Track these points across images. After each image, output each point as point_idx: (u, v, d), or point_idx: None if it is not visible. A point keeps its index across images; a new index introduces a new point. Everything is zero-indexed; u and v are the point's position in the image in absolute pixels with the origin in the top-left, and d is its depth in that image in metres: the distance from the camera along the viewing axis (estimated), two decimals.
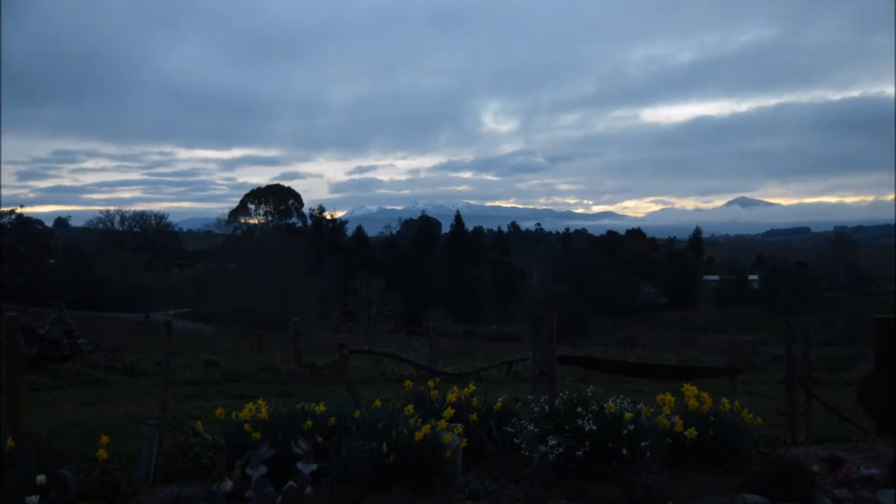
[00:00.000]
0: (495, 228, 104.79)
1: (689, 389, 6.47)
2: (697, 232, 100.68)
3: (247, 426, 6.01)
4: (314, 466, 5.37)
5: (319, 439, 5.81)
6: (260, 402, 6.42)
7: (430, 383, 6.96)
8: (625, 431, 5.77)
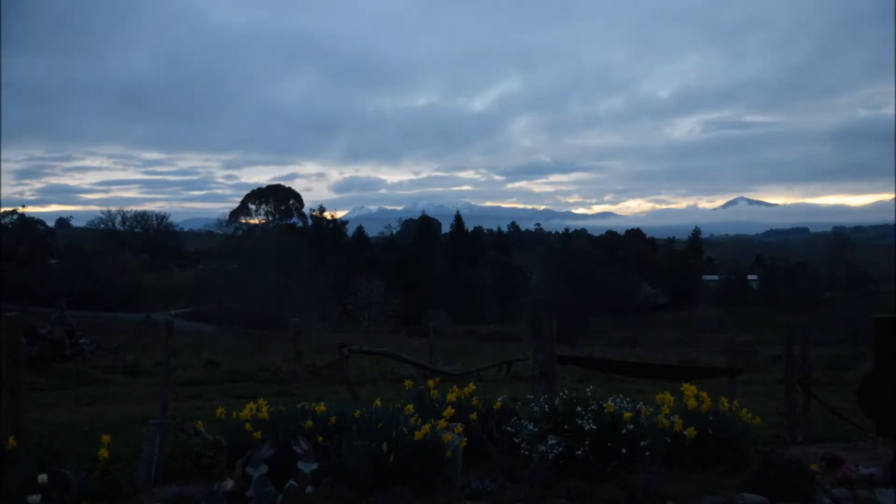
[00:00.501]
0: (495, 228, 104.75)
1: (689, 389, 6.49)
2: (697, 232, 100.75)
3: (247, 426, 6.03)
4: (315, 466, 5.38)
5: (320, 439, 5.83)
6: (260, 401, 6.43)
7: (430, 383, 6.97)
8: (624, 431, 5.79)
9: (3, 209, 68.57)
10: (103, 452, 5.39)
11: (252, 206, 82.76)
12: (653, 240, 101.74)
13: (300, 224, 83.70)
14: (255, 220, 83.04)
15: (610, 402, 6.14)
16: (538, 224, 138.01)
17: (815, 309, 57.24)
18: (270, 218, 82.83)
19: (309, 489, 5.23)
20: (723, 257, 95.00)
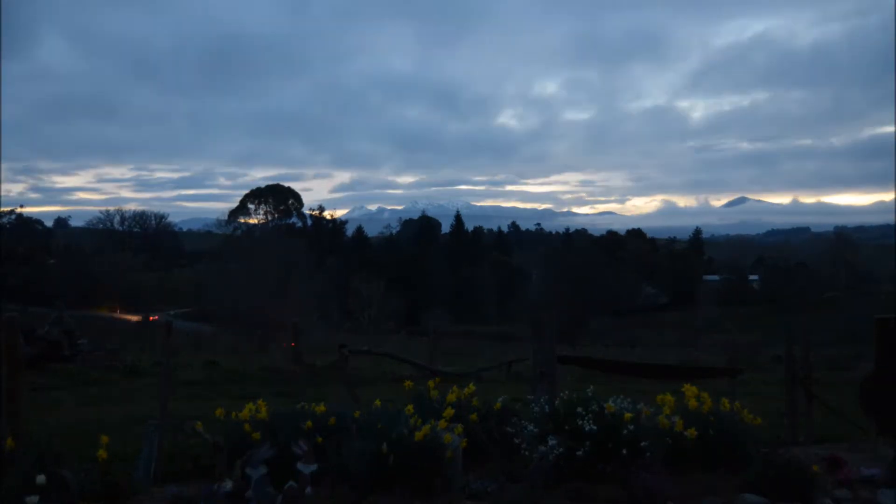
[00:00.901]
0: (495, 228, 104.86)
1: (689, 389, 6.48)
2: (697, 232, 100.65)
3: (247, 426, 6.01)
4: (314, 466, 5.37)
5: (319, 439, 5.81)
6: (260, 402, 6.42)
7: (430, 383, 6.96)
8: (625, 431, 5.77)
9: (1, 209, 68.33)
10: (102, 453, 5.37)
11: (251, 206, 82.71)
12: (653, 240, 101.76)
13: (299, 224, 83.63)
14: (254, 220, 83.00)
15: (610, 402, 6.13)
16: (538, 224, 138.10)
17: (816, 309, 57.16)
18: (269, 218, 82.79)
19: (308, 490, 5.22)
20: (724, 257, 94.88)
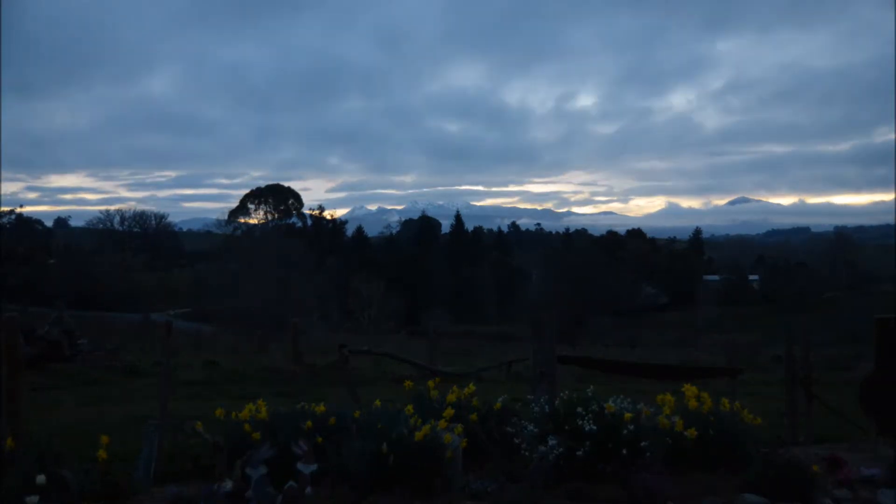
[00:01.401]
0: (495, 228, 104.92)
1: (690, 389, 6.48)
2: (698, 232, 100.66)
3: (247, 426, 6.01)
4: (314, 466, 5.37)
5: (319, 439, 5.82)
6: (260, 402, 6.42)
7: (430, 383, 6.96)
8: (625, 431, 5.78)
9: (1, 209, 68.26)
10: (102, 453, 5.37)
11: (251, 206, 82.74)
12: (653, 240, 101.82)
13: (299, 224, 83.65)
14: (253, 220, 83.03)
15: (610, 402, 6.13)
16: (538, 223, 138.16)
17: (816, 309, 57.24)
18: (269, 218, 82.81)
19: (308, 490, 5.22)
20: (724, 257, 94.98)
